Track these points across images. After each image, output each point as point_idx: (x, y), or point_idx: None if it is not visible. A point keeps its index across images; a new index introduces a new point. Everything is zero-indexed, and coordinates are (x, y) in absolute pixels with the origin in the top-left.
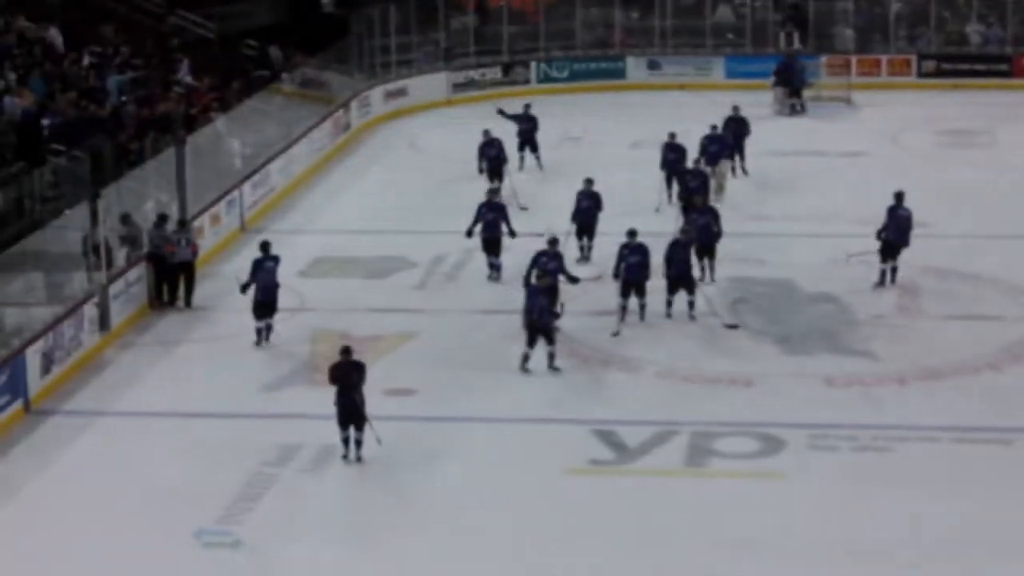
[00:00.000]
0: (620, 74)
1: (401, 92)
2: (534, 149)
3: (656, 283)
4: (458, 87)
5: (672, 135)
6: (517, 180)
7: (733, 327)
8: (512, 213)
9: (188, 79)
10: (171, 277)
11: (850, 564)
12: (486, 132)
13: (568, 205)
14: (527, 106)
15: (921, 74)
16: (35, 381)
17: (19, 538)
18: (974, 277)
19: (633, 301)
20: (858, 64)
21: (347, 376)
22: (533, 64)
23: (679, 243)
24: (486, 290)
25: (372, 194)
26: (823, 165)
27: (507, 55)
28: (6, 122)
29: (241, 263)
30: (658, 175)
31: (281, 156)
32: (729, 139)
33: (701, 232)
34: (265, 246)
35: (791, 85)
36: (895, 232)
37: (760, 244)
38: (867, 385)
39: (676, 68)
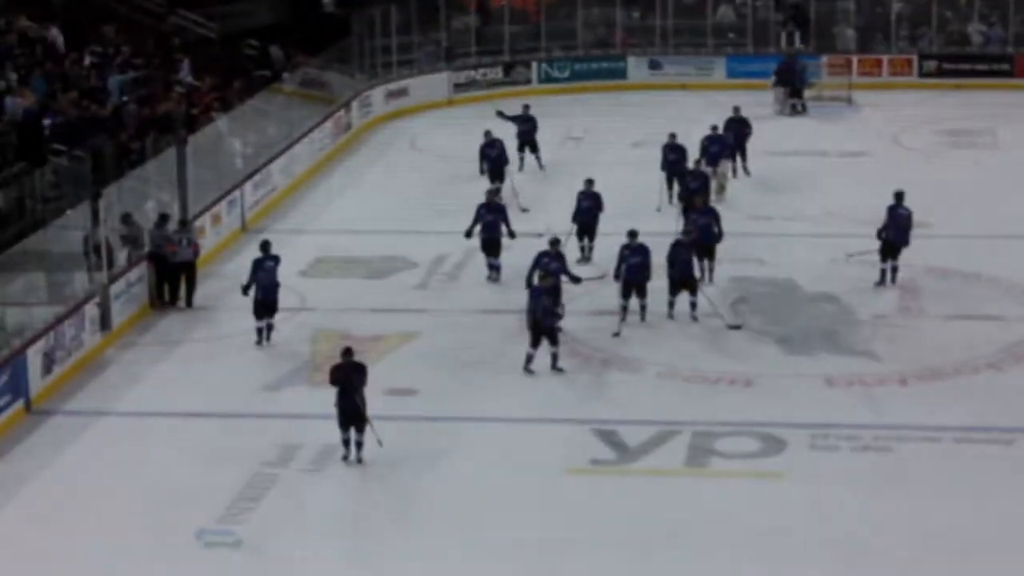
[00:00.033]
0: (621, 74)
1: (402, 92)
2: (534, 150)
3: (657, 283)
4: (459, 87)
5: (672, 136)
6: (518, 181)
7: (736, 327)
8: (512, 214)
9: (189, 79)
10: (172, 277)
11: (851, 564)
12: (487, 133)
13: (569, 205)
14: (526, 107)
15: (922, 74)
16: (36, 381)
17: (20, 538)
18: (975, 277)
19: (634, 302)
20: (859, 64)
21: (348, 377)
22: (534, 64)
23: (682, 244)
24: (487, 290)
25: (373, 194)
26: (824, 165)
27: (508, 55)
28: (7, 122)
29: (242, 263)
30: (659, 175)
31: (282, 156)
32: (730, 139)
33: (701, 233)
34: (265, 246)
35: (792, 85)
36: (895, 231)
37: (761, 244)
38: (868, 385)
39: (677, 68)
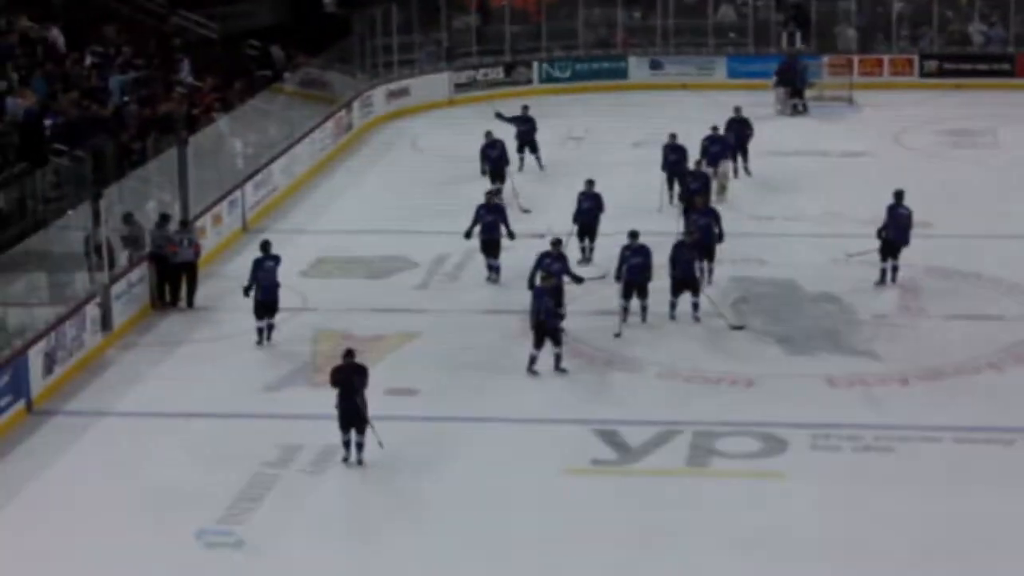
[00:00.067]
0: (622, 74)
1: (403, 92)
2: (534, 150)
3: (658, 284)
4: (460, 87)
5: (673, 136)
6: (518, 182)
7: (739, 328)
8: (513, 215)
9: (189, 79)
10: (173, 277)
11: (851, 564)
12: (488, 134)
13: (569, 206)
14: (525, 107)
15: (923, 74)
16: (37, 381)
17: (21, 538)
18: (975, 277)
19: (635, 302)
20: (860, 64)
21: (349, 379)
22: (535, 64)
23: (684, 244)
24: (488, 290)
25: (374, 194)
26: (825, 165)
27: (509, 55)
28: (8, 122)
29: (243, 263)
30: (660, 176)
31: (283, 156)
32: (731, 140)
33: (702, 234)
34: (265, 246)
35: (793, 85)
36: (895, 231)
37: (762, 244)
38: (869, 385)
39: (678, 68)
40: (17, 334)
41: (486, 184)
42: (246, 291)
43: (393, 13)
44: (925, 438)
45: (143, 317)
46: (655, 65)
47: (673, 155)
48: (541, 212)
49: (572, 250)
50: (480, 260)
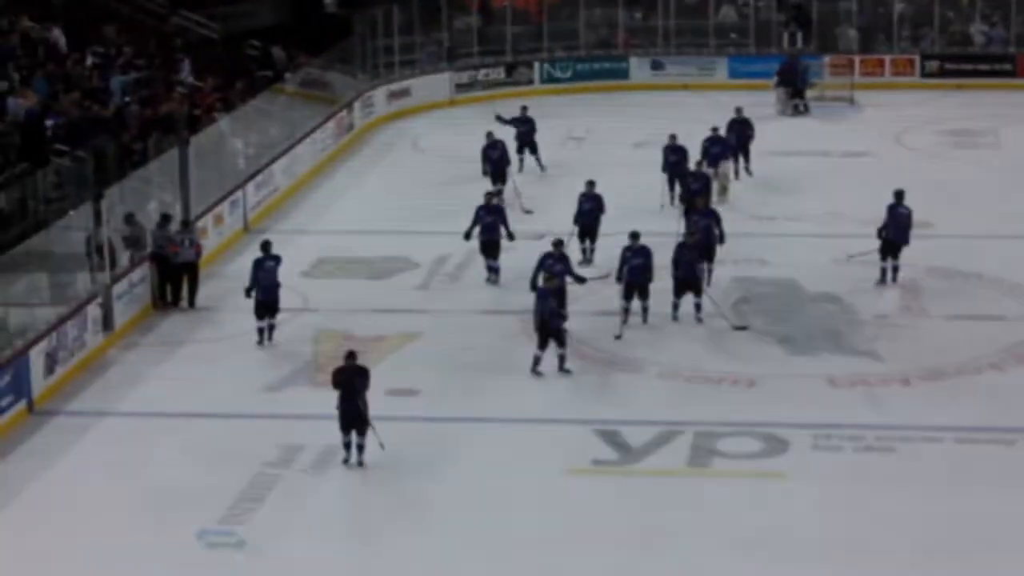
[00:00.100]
0: (623, 74)
1: (404, 92)
2: (533, 151)
3: (659, 285)
4: (461, 87)
5: (673, 137)
6: (518, 182)
7: (742, 328)
8: (515, 216)
9: (190, 79)
10: (174, 277)
11: (853, 564)
12: (489, 134)
13: (570, 207)
14: (524, 108)
15: (924, 74)
16: (38, 381)
17: (22, 538)
18: (977, 277)
19: (636, 303)
20: (861, 64)
21: (350, 381)
22: (536, 64)
23: (686, 245)
24: (489, 291)
25: (375, 194)
26: (826, 165)
27: (510, 55)
28: (10, 123)
29: (244, 263)
30: (660, 176)
31: (284, 156)
32: (732, 141)
33: (703, 235)
34: (266, 246)
35: (794, 85)
36: (895, 230)
37: (763, 244)
38: (870, 385)
39: (679, 68)
40: (18, 334)
41: (487, 185)
42: (247, 292)
43: (394, 13)
44: (926, 438)
45: (144, 317)
46: (656, 65)
47: (673, 156)
48: (542, 213)
49: (573, 251)
50: (481, 261)
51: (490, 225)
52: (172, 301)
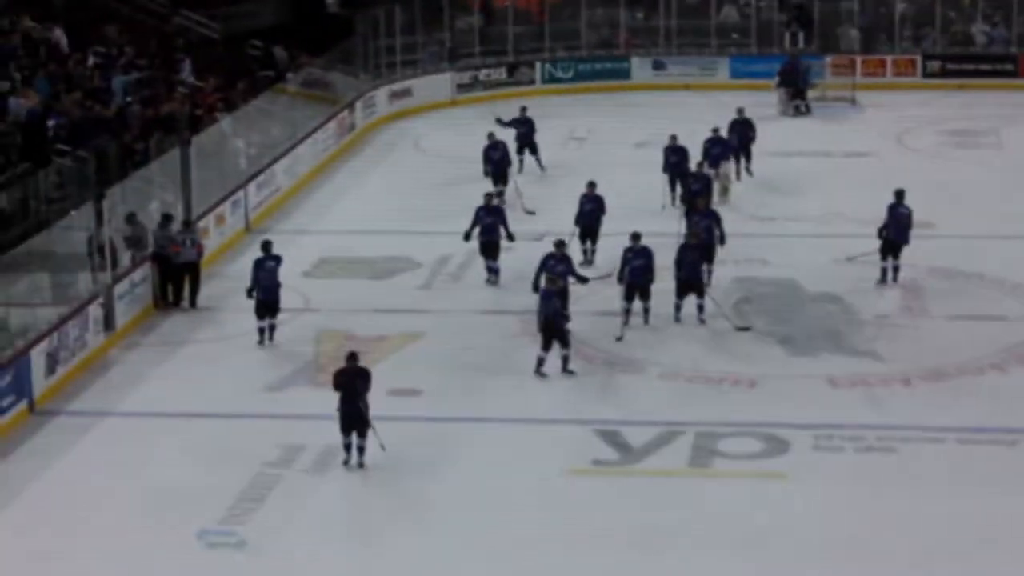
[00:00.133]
0: (625, 74)
1: (406, 92)
2: (533, 151)
3: (660, 285)
4: (463, 87)
5: (673, 137)
6: (520, 183)
7: (745, 329)
8: (517, 216)
9: (191, 79)
10: (176, 277)
11: (854, 564)
12: (490, 135)
13: (571, 207)
14: (523, 109)
15: (926, 74)
16: (40, 381)
17: (23, 538)
18: (978, 277)
19: (637, 304)
20: (863, 64)
21: (351, 382)
22: (538, 64)
23: (688, 246)
24: (491, 291)
25: (377, 194)
26: (827, 166)
27: (512, 55)
28: (11, 123)
29: (246, 264)
30: (662, 177)
31: (286, 156)
32: (733, 141)
33: (703, 235)
34: (266, 246)
35: (795, 85)
36: (895, 230)
37: (764, 244)
38: (871, 385)
39: (681, 68)
40: (20, 334)
41: (488, 185)
42: (249, 293)
43: (396, 13)
44: (927, 439)
45: (146, 317)
46: (658, 66)
47: (674, 156)
48: (542, 213)
49: (574, 252)
50: (482, 261)
51: (490, 226)
52: (173, 301)
